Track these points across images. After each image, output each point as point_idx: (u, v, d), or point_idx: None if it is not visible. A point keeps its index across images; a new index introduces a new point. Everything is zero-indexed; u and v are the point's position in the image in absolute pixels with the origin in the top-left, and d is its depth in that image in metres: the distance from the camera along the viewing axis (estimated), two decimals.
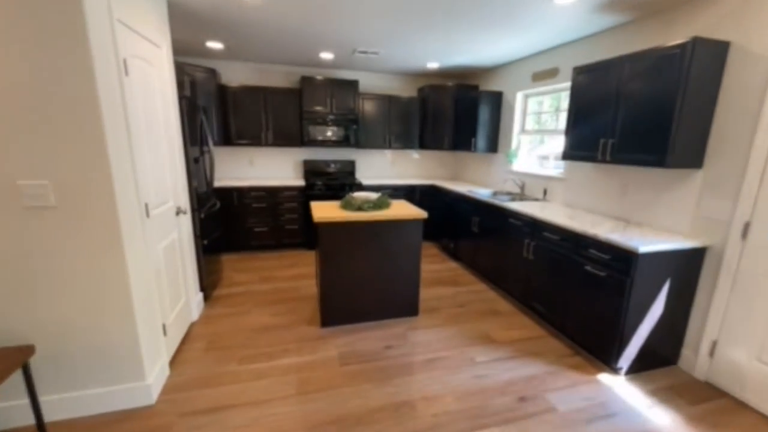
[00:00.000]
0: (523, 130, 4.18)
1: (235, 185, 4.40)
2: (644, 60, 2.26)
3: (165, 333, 2.23)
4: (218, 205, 3.78)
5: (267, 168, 5.09)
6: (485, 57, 4.05)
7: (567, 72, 3.37)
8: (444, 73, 5.04)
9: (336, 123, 4.80)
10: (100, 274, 1.76)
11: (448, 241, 4.61)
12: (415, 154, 5.62)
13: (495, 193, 4.24)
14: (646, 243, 2.16)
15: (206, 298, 3.26)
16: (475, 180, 5.12)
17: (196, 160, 3.12)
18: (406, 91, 5.36)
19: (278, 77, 4.86)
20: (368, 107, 4.93)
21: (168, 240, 2.43)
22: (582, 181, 3.21)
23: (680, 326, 2.38)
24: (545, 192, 3.64)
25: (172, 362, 2.34)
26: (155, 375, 2.04)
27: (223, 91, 4.39)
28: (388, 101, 4.98)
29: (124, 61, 1.86)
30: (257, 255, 4.60)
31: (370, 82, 5.21)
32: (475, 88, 4.82)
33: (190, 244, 2.86)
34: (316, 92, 4.66)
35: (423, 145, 5.23)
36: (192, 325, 2.84)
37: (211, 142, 3.40)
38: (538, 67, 3.76)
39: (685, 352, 2.40)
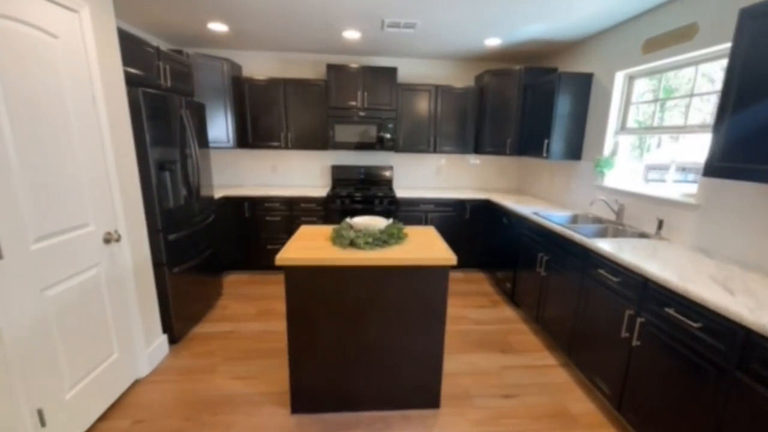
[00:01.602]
0: (622, 128, 2.86)
1: (247, 194, 3.76)
2: None
3: (43, 423, 1.53)
4: (211, 218, 3.14)
5: (291, 175, 4.40)
6: (568, 24, 2.83)
7: (712, 28, 2.05)
8: (509, 54, 3.86)
9: (369, 121, 3.91)
10: None
11: (504, 276, 3.44)
12: (472, 159, 4.49)
13: (575, 219, 2.98)
14: None
15: (176, 339, 2.59)
16: (547, 196, 3.84)
17: (164, 167, 2.46)
18: (459, 79, 4.27)
19: (303, 68, 4.13)
20: (409, 101, 3.96)
21: (79, 278, 1.75)
22: (738, 212, 1.88)
23: None
24: (660, 224, 2.32)
25: None
26: None
27: (238, 84, 3.77)
28: (435, 93, 3.95)
29: None
30: (268, 276, 3.90)
31: (411, 69, 4.23)
32: (552, 71, 3.56)
33: (138, 276, 2.18)
34: (344, 83, 3.82)
35: (479, 148, 4.09)
36: (136, 384, 2.16)
37: (194, 145, 2.73)
38: (655, 28, 2.45)
39: None
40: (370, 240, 1.83)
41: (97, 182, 1.86)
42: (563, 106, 3.08)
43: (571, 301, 2.31)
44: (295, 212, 3.86)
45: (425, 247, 1.92)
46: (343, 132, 3.92)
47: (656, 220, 2.36)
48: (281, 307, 3.19)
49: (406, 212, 3.91)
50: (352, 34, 3.29)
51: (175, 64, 2.81)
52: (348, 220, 2.03)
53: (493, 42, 3.38)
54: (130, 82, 2.27)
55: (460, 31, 3.12)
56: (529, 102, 3.56)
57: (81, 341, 1.76)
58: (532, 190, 4.22)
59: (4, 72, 1.37)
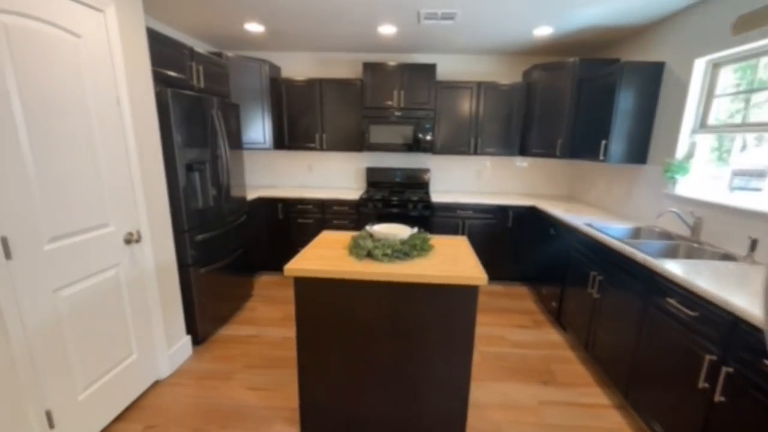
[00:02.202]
0: (702, 126, 2.40)
1: (280, 196, 3.73)
2: None
3: (52, 424, 1.52)
4: (243, 218, 3.12)
5: (326, 176, 4.33)
6: (634, 5, 2.44)
7: None
8: (561, 45, 3.47)
9: (405, 121, 3.72)
10: None
11: (550, 293, 3.07)
12: (518, 162, 4.14)
13: (637, 232, 2.56)
14: None
15: (201, 340, 2.58)
16: (603, 205, 3.39)
17: (192, 168, 2.45)
18: (504, 75, 3.94)
19: (340, 68, 4.03)
20: (448, 100, 3.71)
21: (97, 279, 1.74)
22: None
23: None
24: (753, 244, 1.87)
25: None
26: None
27: (276, 85, 3.76)
28: (477, 91, 3.66)
29: None
30: None
31: (451, 66, 3.97)
32: (613, 62, 3.13)
33: (160, 277, 2.17)
34: (380, 82, 3.67)
35: (525, 150, 3.73)
36: (156, 385, 2.15)
37: (224, 145, 2.71)
38: (752, 0, 2.01)
39: None
40: (389, 252, 1.64)
41: (119, 183, 1.85)
42: (626, 101, 2.67)
43: (630, 331, 1.94)
44: (328, 215, 3.77)
45: (452, 261, 1.69)
46: (379, 133, 3.77)
47: (747, 238, 1.92)
48: None
49: (442, 218, 3.66)
50: (387, 29, 3.12)
51: (209, 66, 2.82)
52: (368, 227, 1.86)
53: (543, 31, 3.03)
54: (161, 82, 2.29)
55: (505, 20, 2.83)
56: (584, 98, 3.16)
57: (97, 342, 1.75)
58: (584, 197, 3.77)
59: (21, 71, 1.37)
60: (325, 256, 1.72)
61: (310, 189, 4.12)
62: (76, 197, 1.61)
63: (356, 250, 1.70)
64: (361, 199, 3.67)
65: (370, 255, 1.67)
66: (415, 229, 1.87)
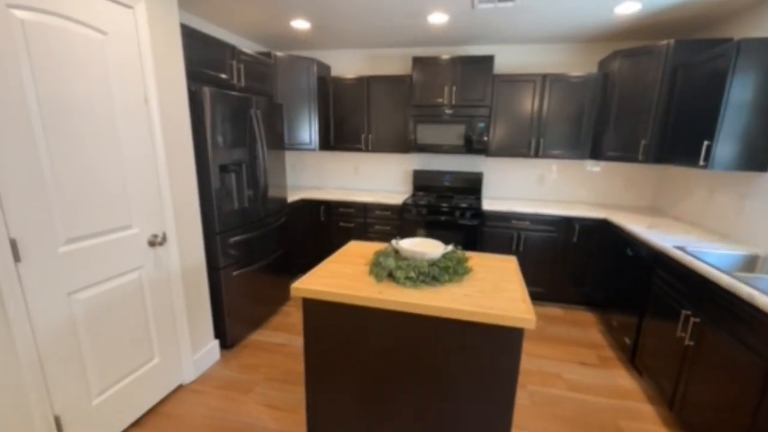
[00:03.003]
0: None
1: (323, 198, 3.62)
2: None
3: (60, 430, 1.49)
4: (282, 220, 3.05)
5: (372, 178, 4.15)
6: None
7: None
8: (649, 26, 2.88)
9: (457, 120, 3.39)
10: None
11: (622, 324, 2.54)
12: (589, 166, 3.58)
13: (752, 262, 1.97)
14: None
15: (231, 344, 2.52)
16: (700, 221, 2.73)
17: (227, 169, 2.39)
18: (575, 66, 3.41)
19: (391, 64, 3.81)
20: (507, 95, 3.30)
21: (118, 281, 1.71)
22: None
23: None
24: None
25: None
26: None
27: (323, 85, 3.66)
28: (542, 84, 3.20)
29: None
30: None
31: (511, 57, 3.53)
32: (722, 42, 2.48)
33: (187, 280, 2.12)
34: (431, 77, 3.38)
35: (598, 152, 3.19)
36: (179, 390, 2.11)
37: (262, 146, 2.63)
38: None
39: None
40: (413, 275, 1.37)
41: (144, 184, 1.81)
42: (741, 90, 2.07)
43: (743, 394, 1.45)
44: (369, 219, 3.57)
45: (493, 291, 1.36)
46: (428, 133, 3.48)
47: None
48: None
49: (494, 228, 3.26)
50: (438, 18, 2.82)
51: (252, 65, 2.77)
52: (394, 242, 1.60)
53: (628, 8, 2.51)
54: (198, 81, 2.25)
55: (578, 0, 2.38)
56: (680, 89, 2.56)
57: (114, 346, 1.72)
58: (672, 210, 3.10)
59: (38, 68, 1.34)
60: (342, 273, 1.50)
61: (354, 192, 3.96)
62: (96, 198, 1.58)
63: (376, 269, 1.46)
64: (405, 204, 3.41)
65: (391, 276, 1.41)
66: (450, 247, 1.56)
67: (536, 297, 3.32)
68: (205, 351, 2.30)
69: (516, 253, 3.24)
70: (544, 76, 3.17)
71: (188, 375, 2.18)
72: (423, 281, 1.38)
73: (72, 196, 1.48)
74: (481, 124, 3.33)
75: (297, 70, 3.52)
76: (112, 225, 1.66)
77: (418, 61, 3.37)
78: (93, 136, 1.55)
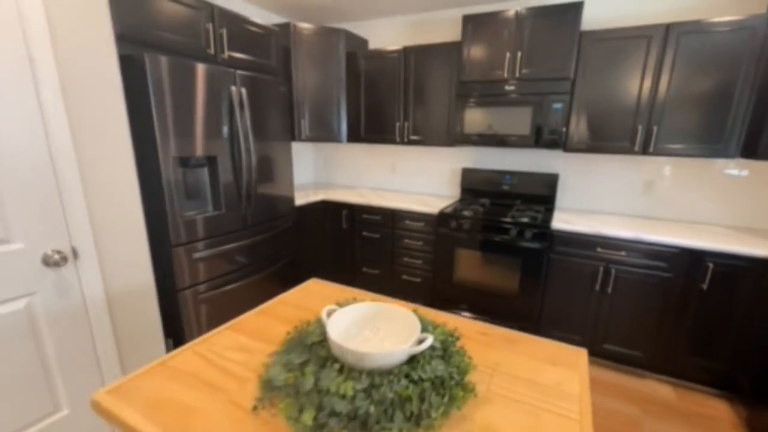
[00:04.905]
0: None
1: (345, 200, 2.96)
2: None
3: None
4: (286, 226, 2.47)
5: (411, 177, 3.37)
6: None
7: None
8: None
9: (522, 100, 2.43)
10: None
11: None
12: (730, 169, 2.32)
13: None
14: None
15: None
16: None
17: (189, 163, 1.85)
18: (714, 10, 2.19)
19: (439, 32, 2.96)
20: (600, 62, 2.24)
21: None
22: None
23: None
24: None
25: None
26: None
27: (352, 61, 2.97)
28: (661, 42, 2.07)
29: None
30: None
31: (608, 5, 2.42)
32: None
33: (117, 306, 1.62)
34: (486, 42, 2.46)
35: (751, 148, 1.96)
36: None
37: (248, 135, 2.05)
38: None
39: None
40: (331, 418, 0.59)
41: (30, 182, 1.32)
42: None
43: None
44: (398, 230, 2.81)
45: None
46: (480, 119, 2.57)
47: None
48: None
49: (566, 258, 2.25)
50: None
51: (241, 30, 2.19)
52: (324, 314, 0.83)
53: None
54: (149, 45, 1.73)
55: None
56: None
57: None
58: None
59: None
60: (214, 376, 0.79)
61: (389, 193, 3.24)
62: None
63: (263, 389, 0.71)
64: (441, 213, 2.57)
65: (317, 424, 0.66)
66: (428, 339, 0.74)
67: (630, 361, 2.24)
68: None
69: (602, 295, 2.19)
70: (668, 27, 2.04)
71: None
72: (384, 427, 0.60)
73: None
74: (558, 106, 2.32)
75: (321, 43, 2.88)
76: None
77: (469, 20, 2.48)
78: None
